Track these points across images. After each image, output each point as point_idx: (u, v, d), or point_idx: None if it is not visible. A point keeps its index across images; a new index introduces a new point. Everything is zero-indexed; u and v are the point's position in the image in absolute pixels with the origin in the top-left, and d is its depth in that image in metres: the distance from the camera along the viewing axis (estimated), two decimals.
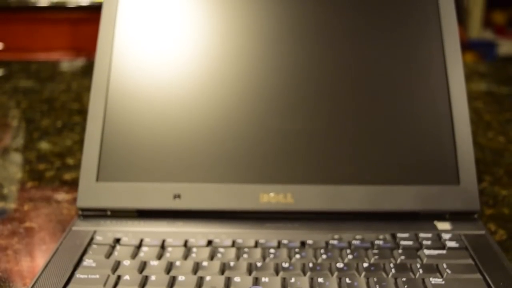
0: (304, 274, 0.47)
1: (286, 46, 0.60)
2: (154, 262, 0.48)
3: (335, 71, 0.59)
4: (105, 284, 0.46)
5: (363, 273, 0.47)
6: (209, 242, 0.52)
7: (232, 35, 0.60)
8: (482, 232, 0.53)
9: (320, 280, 0.46)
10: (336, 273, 0.47)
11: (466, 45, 3.17)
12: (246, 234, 0.53)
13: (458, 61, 0.59)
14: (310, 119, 0.57)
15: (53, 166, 0.74)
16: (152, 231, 0.53)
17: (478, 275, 0.47)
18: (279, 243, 0.51)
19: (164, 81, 0.59)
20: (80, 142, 0.81)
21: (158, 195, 0.55)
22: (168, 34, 0.61)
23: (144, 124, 0.57)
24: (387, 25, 0.60)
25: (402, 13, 0.61)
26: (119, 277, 0.47)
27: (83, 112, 0.94)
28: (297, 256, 0.49)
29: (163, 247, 0.51)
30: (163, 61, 0.60)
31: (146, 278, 0.47)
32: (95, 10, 2.38)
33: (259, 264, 0.48)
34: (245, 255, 0.49)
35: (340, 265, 0.48)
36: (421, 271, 0.47)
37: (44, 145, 0.81)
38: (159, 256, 0.50)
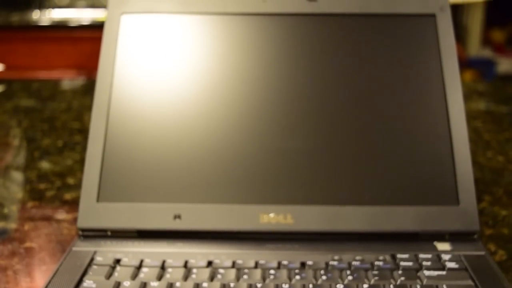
0: None
1: (286, 66, 0.60)
2: (154, 283, 0.48)
3: (335, 92, 0.59)
4: None
5: None
6: (209, 263, 0.52)
7: (232, 57, 0.61)
8: (482, 252, 0.53)
9: None
10: None
11: (465, 63, 3.19)
12: (246, 255, 0.53)
13: (456, 81, 0.59)
14: (310, 139, 0.57)
15: (53, 186, 0.74)
16: (152, 252, 0.53)
17: None
18: (279, 264, 0.51)
19: (164, 102, 0.59)
20: (81, 162, 0.81)
21: (158, 216, 0.55)
22: (169, 55, 0.61)
23: (145, 145, 0.58)
24: (386, 47, 0.61)
25: (401, 35, 0.61)
26: None
27: (83, 131, 0.94)
28: (297, 277, 0.49)
29: (163, 267, 0.51)
30: (164, 82, 0.60)
31: None
32: (96, 29, 2.40)
33: (259, 285, 0.48)
34: (245, 276, 0.49)
35: (340, 286, 0.48)
36: None
37: (44, 165, 0.81)
38: (159, 277, 0.50)
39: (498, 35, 3.76)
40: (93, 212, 0.56)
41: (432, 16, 0.62)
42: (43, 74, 2.39)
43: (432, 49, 0.61)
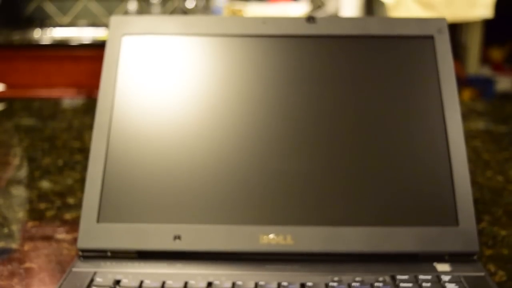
0: None
1: (285, 88, 0.61)
2: None
3: (334, 113, 0.60)
4: None
5: None
6: (209, 284, 0.52)
7: (232, 78, 0.61)
8: (482, 273, 0.53)
9: None
10: None
11: (464, 82, 3.20)
12: (246, 276, 0.53)
13: (455, 102, 0.60)
14: (309, 160, 0.58)
15: (53, 206, 0.74)
16: (152, 273, 0.53)
17: None
18: (279, 285, 0.51)
19: (165, 123, 0.60)
20: (81, 181, 0.82)
21: (158, 236, 0.55)
22: (169, 76, 0.62)
23: (145, 166, 0.58)
24: (384, 68, 0.61)
25: (400, 56, 0.62)
26: None
27: (84, 150, 0.95)
28: None
29: None
30: (164, 102, 0.61)
31: None
32: (97, 48, 2.42)
33: None
34: None
35: None
36: None
37: (45, 184, 0.81)
38: None
39: (497, 54, 3.78)
40: (93, 232, 0.56)
41: (431, 38, 0.62)
42: (44, 92, 2.40)
43: (430, 70, 0.61)
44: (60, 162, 0.90)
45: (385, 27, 0.63)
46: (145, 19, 0.64)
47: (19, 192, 0.79)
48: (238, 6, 2.72)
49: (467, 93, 3.17)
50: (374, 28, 0.63)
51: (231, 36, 0.63)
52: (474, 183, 0.79)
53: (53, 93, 2.41)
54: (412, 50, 0.62)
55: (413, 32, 0.63)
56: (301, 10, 2.64)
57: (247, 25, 0.63)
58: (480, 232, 0.66)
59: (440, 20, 0.63)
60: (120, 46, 0.63)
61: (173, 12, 2.97)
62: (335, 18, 0.64)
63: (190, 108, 0.60)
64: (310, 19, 0.63)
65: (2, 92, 2.40)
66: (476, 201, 0.72)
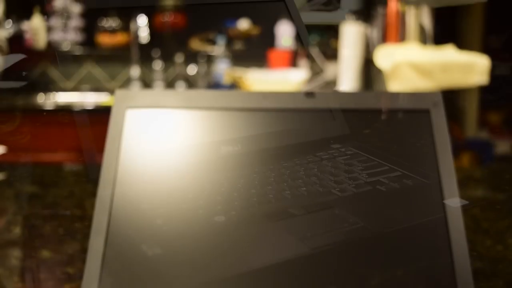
0: None
1: (285, 159, 0.62)
2: None
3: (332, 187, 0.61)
4: None
5: None
6: None
7: (234, 150, 0.62)
8: None
9: None
10: None
11: (463, 146, 3.22)
12: None
13: (451, 175, 0.61)
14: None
15: (53, 276, 0.74)
16: None
17: None
18: None
19: (166, 196, 0.60)
20: (81, 251, 0.82)
21: None
22: (172, 149, 0.63)
23: (146, 240, 0.58)
24: (381, 141, 0.63)
25: (396, 129, 0.63)
26: None
27: (85, 218, 0.95)
28: None
29: None
30: (167, 176, 0.61)
31: None
32: (100, 113, 2.45)
33: None
34: None
35: None
36: None
37: (45, 253, 0.81)
38: None
39: (494, 117, 3.81)
40: None
41: (426, 111, 0.64)
42: (46, 157, 2.42)
43: (427, 142, 0.62)
44: (60, 231, 0.90)
45: (381, 101, 0.64)
46: (148, 93, 0.66)
47: (18, 262, 0.79)
48: (239, 72, 2.77)
49: (467, 157, 3.18)
50: (371, 102, 0.64)
51: (232, 109, 0.64)
52: (474, 252, 0.79)
53: (55, 157, 2.42)
54: (408, 123, 0.63)
55: (409, 106, 0.64)
56: (300, 76, 2.68)
57: (248, 99, 0.65)
58: None
59: (435, 94, 0.65)
60: (124, 119, 0.64)
61: (175, 78, 3.03)
62: (333, 92, 0.66)
63: (192, 181, 0.61)
64: (309, 94, 0.65)
65: (3, 155, 2.41)
66: (476, 272, 0.72)
